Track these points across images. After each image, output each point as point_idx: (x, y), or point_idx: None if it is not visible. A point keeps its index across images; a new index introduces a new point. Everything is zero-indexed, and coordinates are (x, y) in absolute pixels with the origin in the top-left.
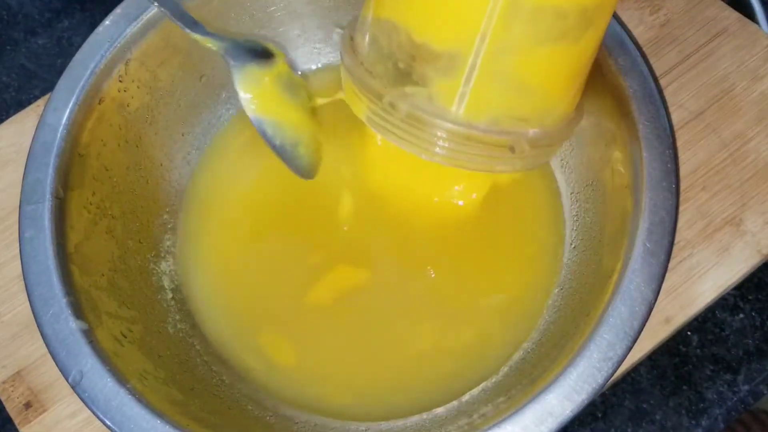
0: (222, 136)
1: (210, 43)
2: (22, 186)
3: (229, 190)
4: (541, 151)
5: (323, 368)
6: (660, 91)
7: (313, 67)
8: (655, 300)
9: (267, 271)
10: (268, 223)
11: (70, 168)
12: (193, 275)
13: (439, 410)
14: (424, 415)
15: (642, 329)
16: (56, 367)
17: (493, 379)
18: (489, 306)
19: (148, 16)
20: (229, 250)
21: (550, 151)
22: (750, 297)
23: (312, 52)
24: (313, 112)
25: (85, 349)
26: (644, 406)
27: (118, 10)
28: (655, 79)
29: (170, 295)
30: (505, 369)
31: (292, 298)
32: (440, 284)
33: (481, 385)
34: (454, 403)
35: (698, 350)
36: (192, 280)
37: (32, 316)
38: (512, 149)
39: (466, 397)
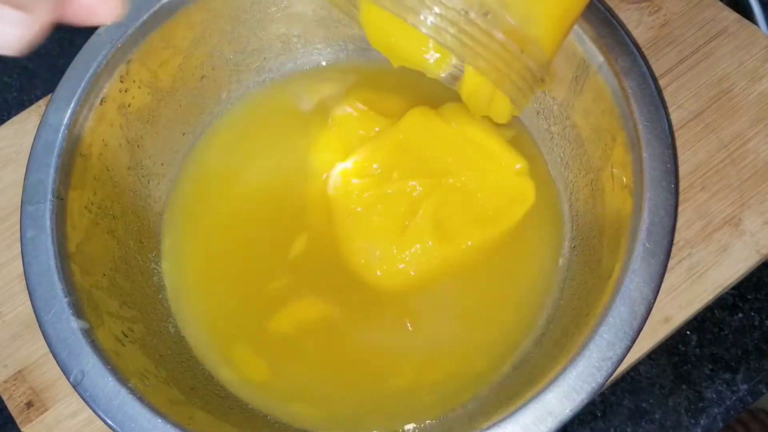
0: (209, 136)
1: None
2: (24, 186)
3: (213, 197)
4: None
5: (296, 387)
6: (659, 92)
7: (315, 66)
8: (655, 300)
9: (240, 287)
10: (244, 237)
11: (71, 168)
12: (182, 279)
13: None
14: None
15: (641, 329)
16: (57, 367)
17: (493, 380)
18: (473, 335)
19: (149, 16)
20: (211, 258)
21: (523, 77)
22: (749, 296)
23: (312, 53)
24: None
25: (86, 349)
26: (643, 405)
27: None
28: (655, 80)
29: (171, 295)
30: (505, 369)
31: (260, 319)
32: (420, 323)
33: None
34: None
35: (697, 349)
36: (180, 283)
37: (33, 315)
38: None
39: (467, 397)
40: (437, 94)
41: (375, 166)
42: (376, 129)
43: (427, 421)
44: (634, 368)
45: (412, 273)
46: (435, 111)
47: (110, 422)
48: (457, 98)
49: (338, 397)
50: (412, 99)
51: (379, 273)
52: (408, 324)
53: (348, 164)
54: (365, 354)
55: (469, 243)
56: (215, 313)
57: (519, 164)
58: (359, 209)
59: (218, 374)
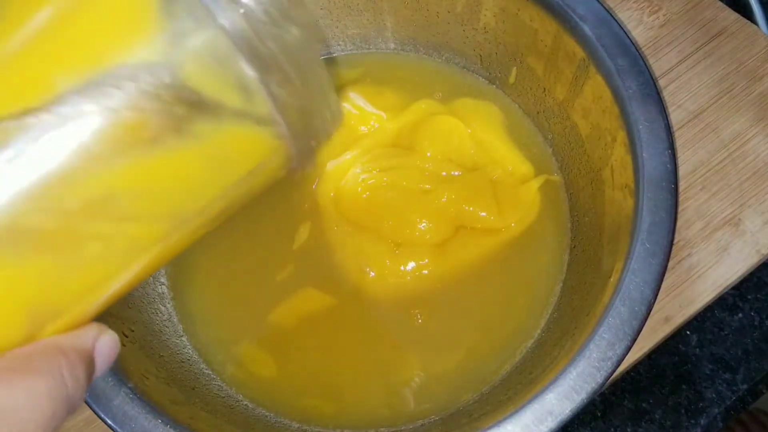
0: None
1: None
2: None
3: None
4: None
5: (305, 381)
6: (659, 92)
7: None
8: (655, 300)
9: (243, 283)
10: (245, 233)
11: None
12: (184, 278)
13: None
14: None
15: (641, 329)
16: None
17: (494, 380)
18: (477, 332)
19: None
20: (213, 256)
21: None
22: (749, 296)
23: None
24: None
25: None
26: (643, 405)
27: None
28: (654, 80)
29: (171, 294)
30: (505, 369)
31: (265, 314)
32: (436, 308)
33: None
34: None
35: (697, 349)
36: (183, 282)
37: None
38: None
39: (467, 398)
40: (444, 87)
41: (372, 165)
42: (375, 125)
43: (433, 417)
44: (634, 368)
45: (408, 284)
46: (445, 106)
47: (110, 422)
48: (469, 94)
49: (347, 390)
50: (415, 93)
51: (373, 282)
52: (419, 317)
53: (340, 161)
54: (372, 346)
55: (469, 257)
56: (219, 311)
57: (527, 170)
58: (353, 215)
59: (224, 372)
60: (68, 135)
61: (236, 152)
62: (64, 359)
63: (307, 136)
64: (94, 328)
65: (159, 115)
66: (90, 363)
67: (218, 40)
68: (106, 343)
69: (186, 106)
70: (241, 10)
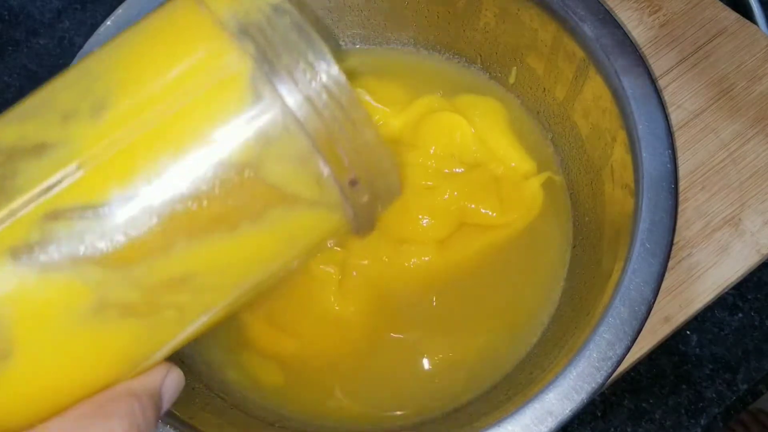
0: None
1: None
2: None
3: None
4: None
5: (305, 381)
6: (659, 92)
7: None
8: (655, 300)
9: None
10: None
11: None
12: None
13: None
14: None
15: (641, 329)
16: None
17: (494, 380)
18: (496, 311)
19: None
20: None
21: None
22: (749, 296)
23: None
24: None
25: None
26: (643, 405)
27: (119, 11)
28: (654, 80)
29: None
30: (505, 369)
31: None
32: (444, 301)
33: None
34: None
35: (697, 349)
36: None
37: None
38: None
39: (467, 397)
40: (446, 84)
41: None
42: (379, 121)
43: (433, 417)
44: (634, 368)
45: (410, 281)
46: (448, 102)
47: None
48: (471, 90)
49: (347, 390)
50: (418, 89)
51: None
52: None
53: None
54: (372, 346)
55: (471, 254)
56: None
57: (529, 167)
58: None
59: (224, 373)
60: (157, 219)
61: (305, 231)
62: (137, 403)
63: (369, 213)
64: (162, 370)
65: (240, 207)
66: (158, 401)
67: (300, 143)
68: (172, 381)
69: (266, 200)
70: (324, 114)
